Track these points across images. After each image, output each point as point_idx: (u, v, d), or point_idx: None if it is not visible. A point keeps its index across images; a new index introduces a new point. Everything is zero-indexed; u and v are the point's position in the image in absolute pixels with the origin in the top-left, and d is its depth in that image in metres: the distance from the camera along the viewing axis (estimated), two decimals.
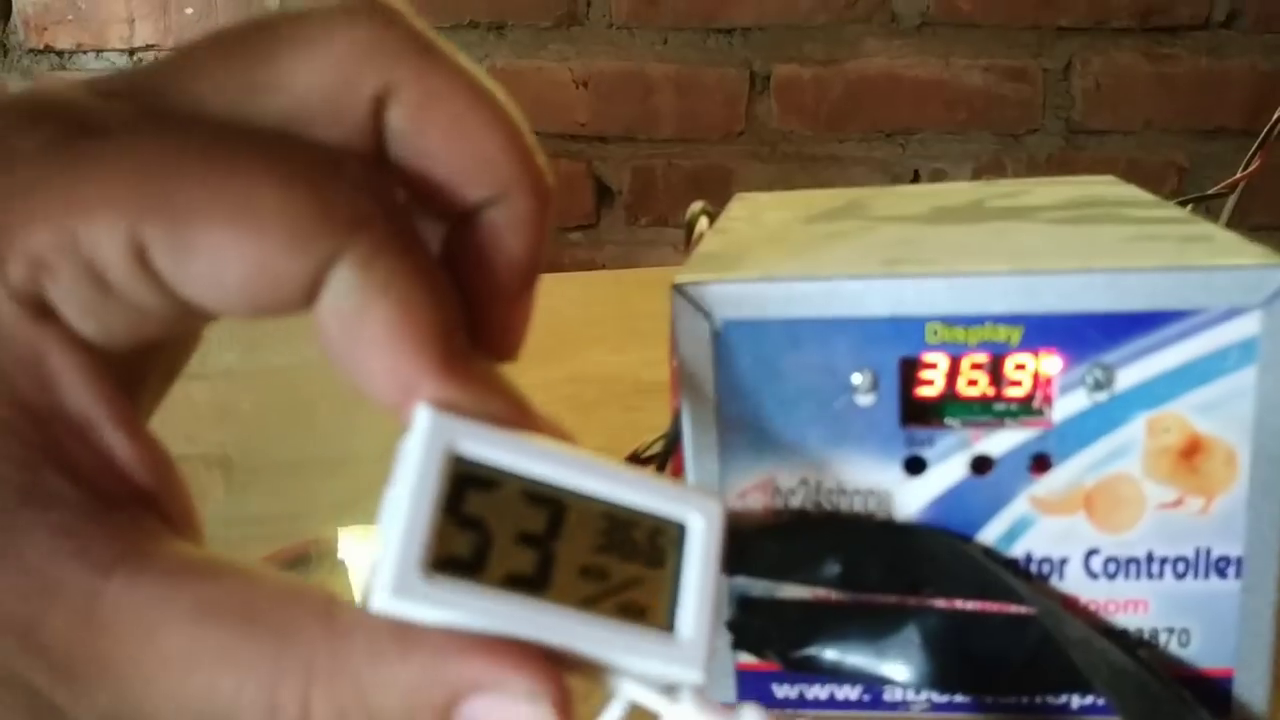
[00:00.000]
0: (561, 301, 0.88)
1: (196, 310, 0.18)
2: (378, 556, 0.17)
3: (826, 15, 1.15)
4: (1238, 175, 0.64)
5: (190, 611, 0.17)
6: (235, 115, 0.18)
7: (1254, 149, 0.63)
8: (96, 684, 0.17)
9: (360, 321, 0.18)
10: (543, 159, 0.20)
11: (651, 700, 0.19)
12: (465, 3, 1.12)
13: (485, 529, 0.18)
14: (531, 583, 0.18)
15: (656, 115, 1.17)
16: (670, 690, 0.19)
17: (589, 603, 0.18)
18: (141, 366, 0.21)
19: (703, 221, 0.38)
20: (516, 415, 0.19)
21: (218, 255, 0.17)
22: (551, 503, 0.19)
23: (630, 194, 1.19)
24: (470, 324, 0.20)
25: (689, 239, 0.38)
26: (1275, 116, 0.62)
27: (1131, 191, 0.39)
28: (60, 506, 0.17)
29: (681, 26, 1.15)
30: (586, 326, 0.80)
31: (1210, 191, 0.62)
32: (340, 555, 0.44)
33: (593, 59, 1.16)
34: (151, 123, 0.18)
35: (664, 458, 0.35)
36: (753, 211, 0.40)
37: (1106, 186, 0.41)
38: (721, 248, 0.34)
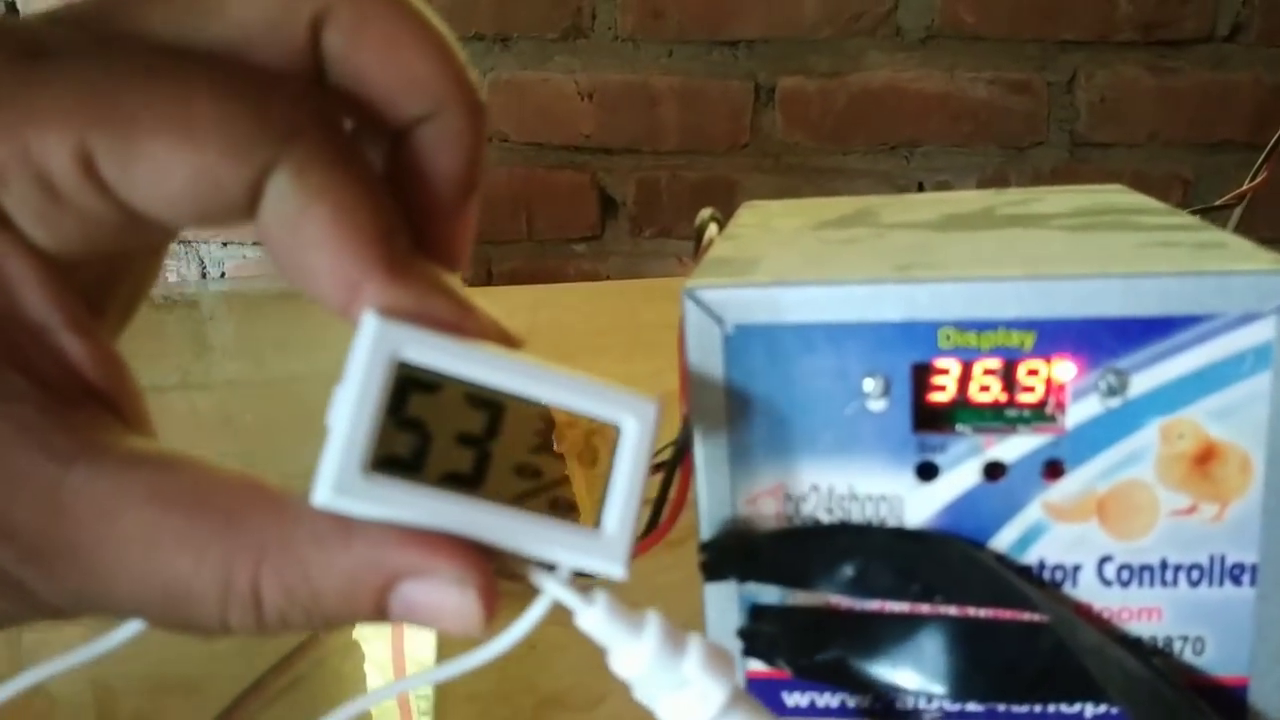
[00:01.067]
0: (566, 312, 0.88)
1: (144, 219, 0.19)
2: (322, 455, 0.19)
3: (831, 28, 1.15)
4: (1244, 187, 0.64)
5: (148, 497, 0.18)
6: (179, 41, 0.19)
7: (1260, 161, 0.63)
8: (64, 567, 0.18)
9: (300, 224, 0.19)
10: (474, 76, 0.21)
11: (569, 599, 0.20)
12: (471, 15, 1.13)
13: (425, 430, 0.19)
14: (467, 481, 0.19)
15: (661, 127, 1.17)
16: (587, 592, 0.20)
17: (521, 499, 0.20)
18: (104, 282, 0.22)
19: (712, 228, 0.38)
20: (460, 314, 0.20)
21: (160, 163, 0.18)
22: (490, 405, 0.20)
23: (635, 205, 1.19)
24: (415, 238, 0.21)
25: (698, 245, 0.37)
26: None
27: (1142, 200, 0.39)
28: (21, 403, 0.18)
29: (686, 39, 1.15)
30: (592, 337, 0.80)
31: (1217, 203, 0.62)
32: None
33: (598, 71, 1.16)
34: (100, 45, 0.19)
35: (673, 464, 0.35)
36: (762, 219, 0.40)
37: (1117, 195, 0.41)
38: (732, 253, 0.34)
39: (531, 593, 0.20)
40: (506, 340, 0.21)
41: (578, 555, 0.20)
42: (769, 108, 1.17)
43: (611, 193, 1.19)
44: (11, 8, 1.13)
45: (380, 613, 0.19)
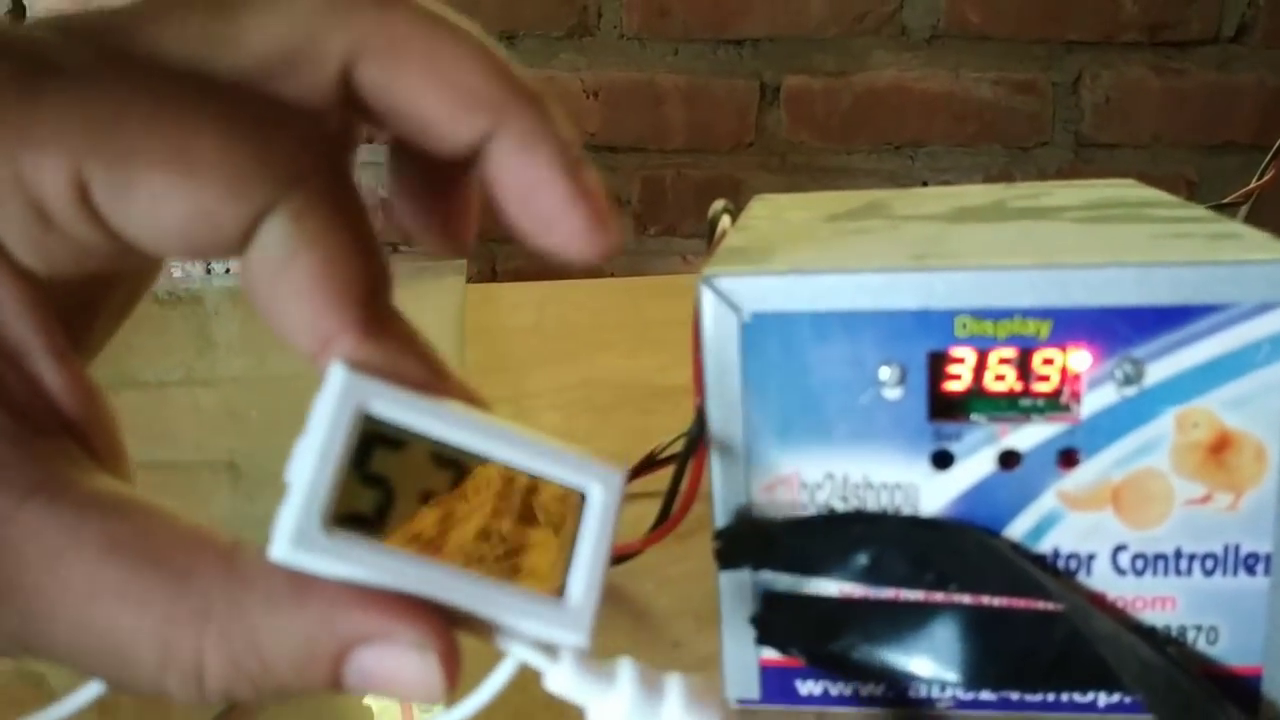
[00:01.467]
0: (573, 308, 0.88)
1: (136, 249, 0.18)
2: (281, 508, 0.18)
3: (837, 27, 1.15)
4: (1251, 186, 0.64)
5: (95, 545, 0.18)
6: (195, 66, 0.19)
7: (1267, 160, 0.63)
8: (3, 605, 0.18)
9: (286, 271, 0.18)
10: (525, 72, 0.20)
11: (535, 660, 0.19)
12: (476, 12, 1.12)
13: (389, 487, 0.19)
14: (430, 542, 0.19)
15: (667, 126, 1.17)
16: (553, 651, 0.20)
17: (483, 564, 0.19)
18: (91, 299, 0.22)
19: (725, 219, 0.38)
20: (429, 377, 0.19)
21: (156, 198, 0.18)
22: (456, 465, 0.19)
23: (640, 204, 1.19)
24: (556, 244, 0.20)
25: (711, 237, 0.38)
26: None
27: (1153, 193, 0.39)
28: None
29: (692, 38, 1.15)
30: (599, 332, 0.80)
31: (1223, 202, 0.62)
32: None
33: (603, 69, 1.16)
34: (108, 66, 0.18)
35: (685, 455, 0.35)
36: (774, 211, 0.40)
37: (1127, 189, 0.41)
38: (747, 243, 0.34)
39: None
40: (476, 403, 0.20)
41: (540, 624, 0.19)
42: (774, 106, 1.17)
43: (616, 191, 1.19)
44: (19, 5, 1.14)
45: (335, 681, 0.18)
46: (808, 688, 0.31)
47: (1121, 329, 0.28)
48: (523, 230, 0.20)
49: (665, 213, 1.19)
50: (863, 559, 0.30)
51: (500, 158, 0.20)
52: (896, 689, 0.31)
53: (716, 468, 0.31)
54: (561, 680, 0.20)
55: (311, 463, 0.18)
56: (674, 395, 0.63)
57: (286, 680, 0.18)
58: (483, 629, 0.19)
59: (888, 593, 0.30)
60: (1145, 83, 1.17)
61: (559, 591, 0.20)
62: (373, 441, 0.19)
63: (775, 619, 0.31)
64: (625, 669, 0.20)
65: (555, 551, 0.20)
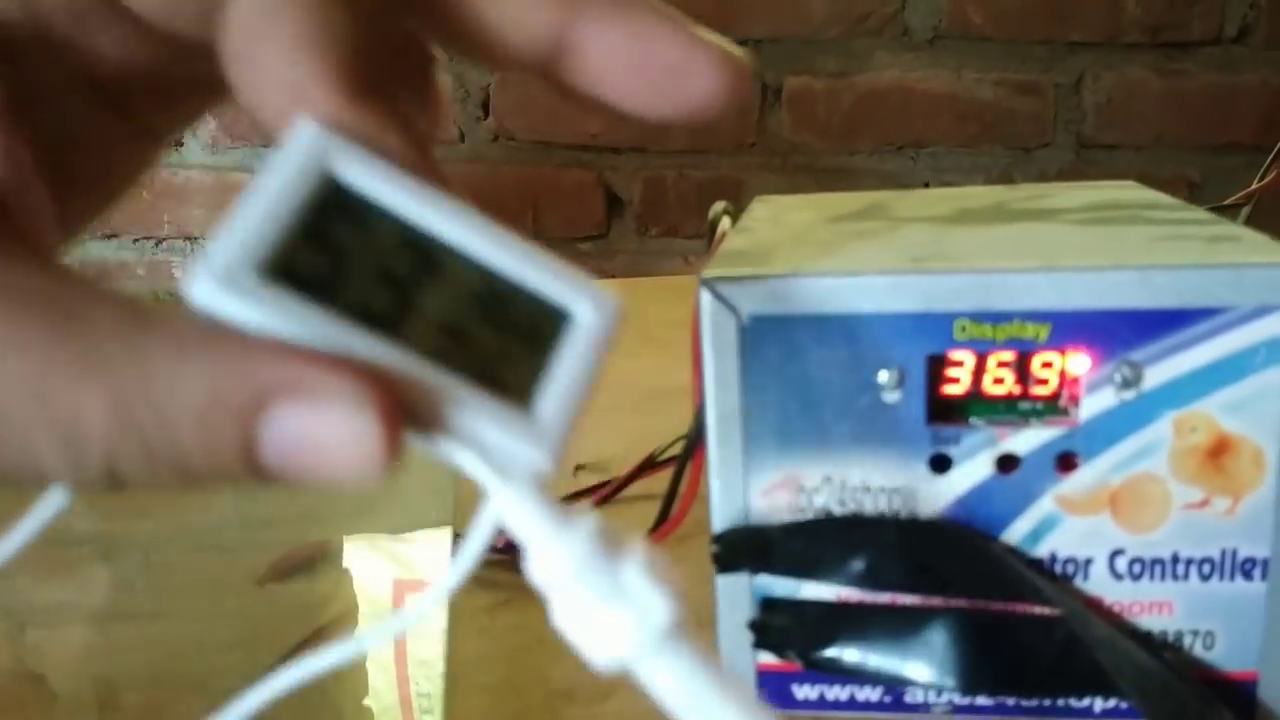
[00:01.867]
0: None
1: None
2: (207, 246, 0.15)
3: (839, 28, 1.15)
4: (1253, 187, 0.64)
5: None
6: None
7: (1269, 161, 0.63)
8: None
9: (269, 21, 0.16)
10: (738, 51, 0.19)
11: (484, 474, 0.16)
12: None
13: (343, 256, 0.16)
14: (382, 320, 0.16)
15: (668, 126, 1.17)
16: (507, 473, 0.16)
17: (441, 355, 0.16)
18: (88, 167, 0.20)
19: (725, 221, 0.38)
20: (414, 157, 0.17)
21: None
22: (426, 251, 0.17)
23: (641, 204, 1.19)
24: (691, 93, 0.19)
25: (711, 238, 0.37)
26: None
27: (1154, 195, 0.39)
28: None
29: None
30: None
31: (1225, 203, 0.62)
32: (345, 564, 0.44)
33: None
34: None
35: (685, 457, 0.35)
36: (775, 212, 0.40)
37: (1128, 191, 0.41)
38: (747, 245, 0.34)
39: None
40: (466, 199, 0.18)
41: (500, 431, 0.16)
42: (776, 107, 1.17)
43: (618, 192, 1.19)
44: None
45: (249, 450, 0.15)
46: (804, 692, 0.31)
47: (1120, 332, 0.28)
48: (645, 104, 0.19)
49: (667, 213, 1.19)
50: (860, 563, 0.30)
51: (595, 35, 0.18)
52: (893, 694, 0.31)
53: (715, 471, 0.31)
54: (510, 506, 0.16)
55: (255, 206, 0.15)
56: (674, 397, 0.63)
57: (188, 446, 0.15)
58: (429, 424, 0.16)
59: (885, 597, 0.30)
60: (1147, 84, 1.17)
61: (525, 404, 0.17)
62: (334, 209, 0.16)
63: (772, 623, 0.31)
64: (587, 518, 0.17)
65: (527, 368, 0.17)
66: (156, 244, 1.20)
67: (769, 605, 0.31)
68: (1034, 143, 1.19)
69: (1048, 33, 1.15)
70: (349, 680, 0.36)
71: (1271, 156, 0.64)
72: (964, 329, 0.29)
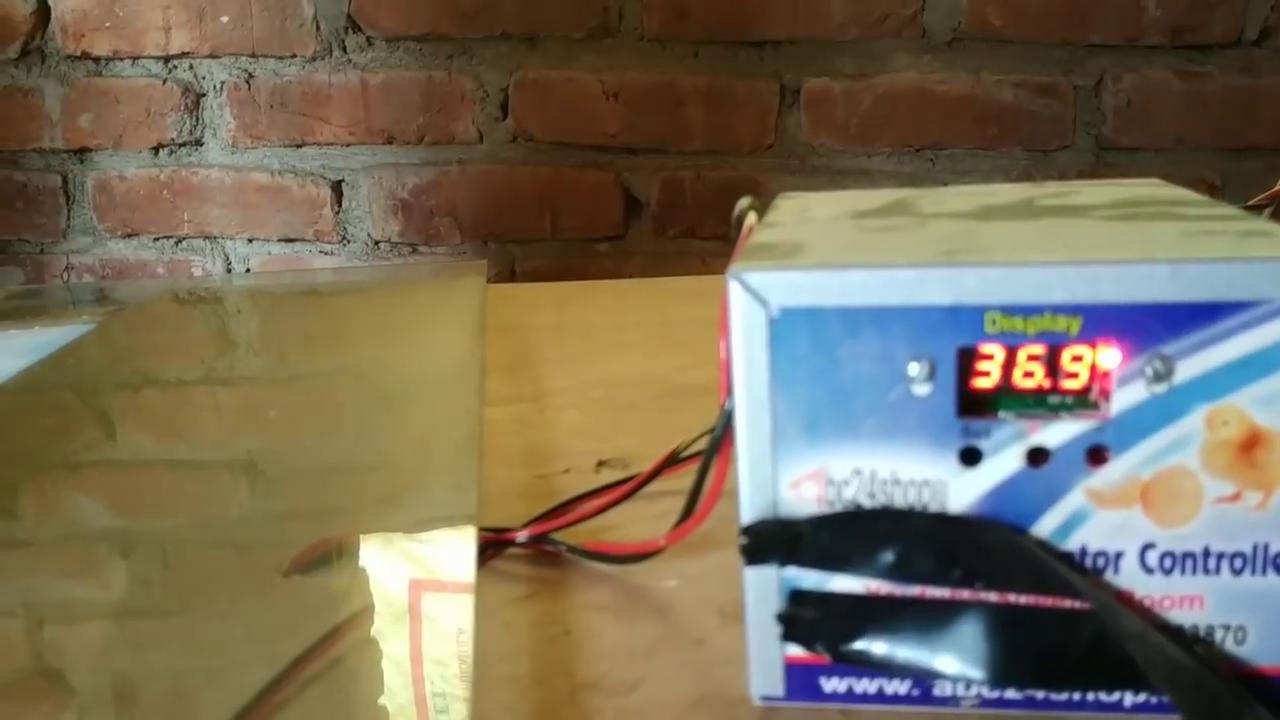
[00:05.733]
0: (592, 308, 0.88)
1: None
2: None
3: (858, 29, 1.15)
4: (1277, 188, 0.63)
5: None
6: None
7: None
8: None
9: None
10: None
11: None
12: (497, 14, 1.13)
13: None
14: None
15: (686, 127, 1.17)
16: None
17: None
18: None
19: (751, 216, 0.38)
20: None
21: None
22: None
23: (659, 205, 1.19)
24: None
25: (737, 234, 0.37)
26: None
27: (1181, 192, 0.39)
28: None
29: (713, 39, 1.15)
30: (619, 332, 0.80)
31: (1249, 204, 0.61)
32: (362, 562, 0.44)
33: (624, 71, 1.16)
34: None
35: (711, 451, 0.35)
36: (800, 208, 0.40)
37: (1155, 188, 0.41)
38: (775, 239, 0.34)
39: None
40: None
41: None
42: (794, 109, 1.17)
43: (636, 193, 1.19)
44: (43, 6, 1.14)
45: None
46: (832, 685, 0.31)
47: (1152, 326, 0.28)
48: None
49: (684, 214, 1.19)
50: (889, 556, 0.30)
51: None
52: (922, 687, 0.31)
53: (743, 463, 0.31)
54: None
55: None
56: (694, 394, 0.63)
57: None
58: None
59: (914, 590, 0.30)
60: (1168, 86, 1.16)
61: None
62: None
63: (801, 615, 0.31)
64: None
65: None
66: (176, 243, 1.21)
67: (797, 597, 0.31)
68: (1053, 145, 1.18)
69: (1067, 34, 1.15)
70: (364, 678, 0.37)
71: None
72: (995, 322, 0.28)
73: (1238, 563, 0.29)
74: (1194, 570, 0.29)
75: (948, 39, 1.16)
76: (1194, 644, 0.29)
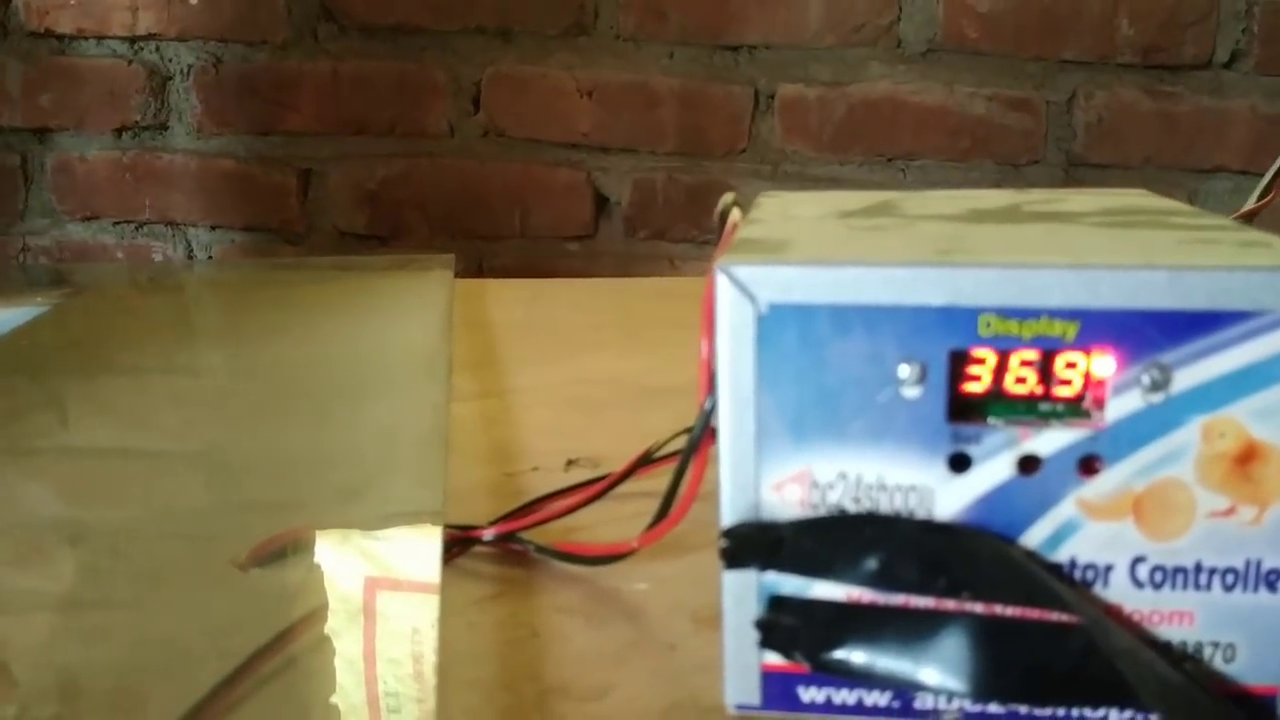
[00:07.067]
0: (562, 307, 0.87)
1: None
2: None
3: (834, 37, 1.15)
4: (1253, 205, 0.63)
5: None
6: None
7: (1269, 178, 0.63)
8: None
9: None
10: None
11: None
12: (472, 8, 1.12)
13: None
14: None
15: (660, 128, 1.16)
16: None
17: None
18: None
19: (735, 212, 0.37)
20: None
21: None
22: None
23: (630, 206, 1.18)
24: None
25: (720, 230, 0.37)
26: None
27: (1170, 202, 0.39)
28: None
29: (689, 42, 1.15)
30: (588, 332, 0.79)
31: (1237, 214, 0.61)
32: (319, 557, 0.42)
33: (598, 69, 1.15)
34: None
35: (689, 452, 0.34)
36: (783, 207, 0.39)
37: (1142, 198, 0.40)
38: (761, 235, 0.33)
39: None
40: None
41: None
42: (768, 114, 1.16)
43: (607, 193, 1.18)
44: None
45: None
46: (810, 694, 0.30)
47: (1150, 333, 0.27)
48: None
49: (655, 217, 1.18)
50: (873, 563, 0.29)
51: None
52: (902, 699, 0.30)
53: (725, 464, 0.30)
54: None
55: None
56: (666, 396, 0.62)
57: None
58: None
59: (897, 599, 0.29)
60: (1138, 104, 1.17)
61: None
62: None
63: (780, 622, 0.30)
64: None
65: None
66: (137, 228, 1.18)
67: (777, 604, 0.30)
68: (1024, 159, 1.18)
69: (1041, 50, 1.15)
70: (317, 677, 0.35)
71: (1270, 175, 0.64)
72: (989, 325, 0.28)
73: (1229, 579, 0.28)
74: (1185, 585, 0.28)
75: (923, 50, 1.16)
76: (1183, 661, 0.29)
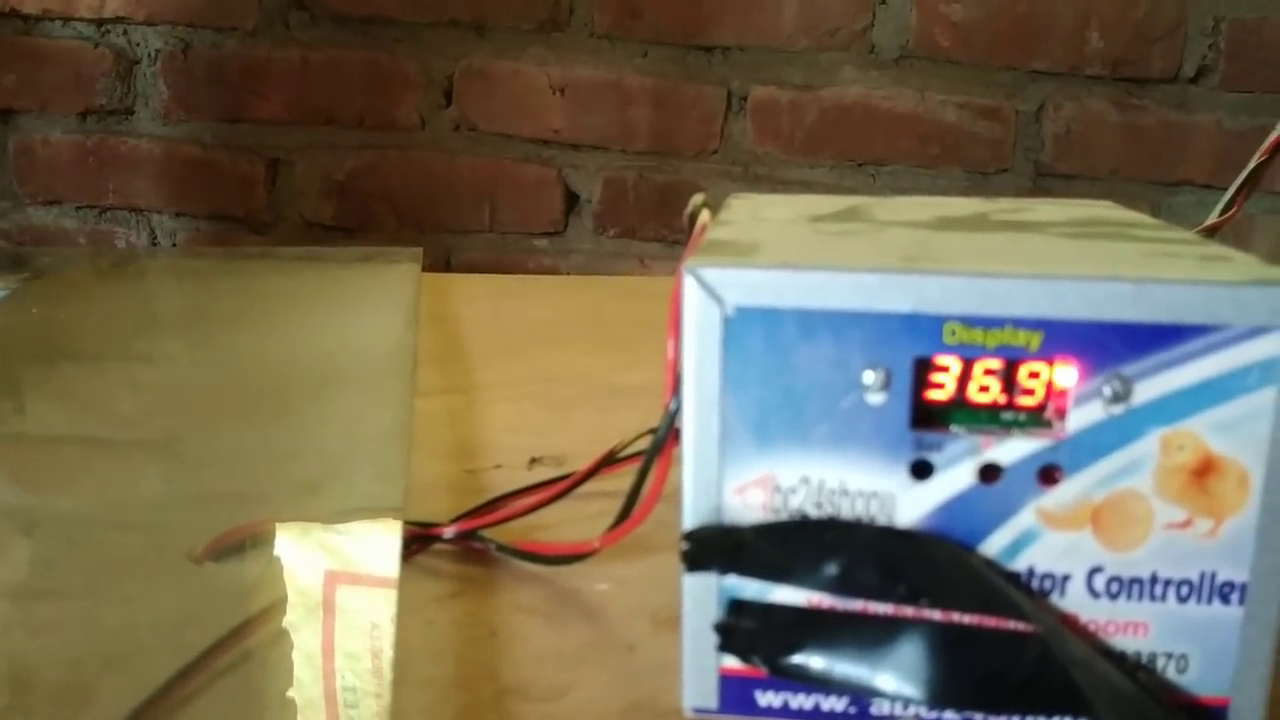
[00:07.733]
0: (530, 303, 0.87)
1: None
2: None
3: (808, 40, 1.15)
4: (1217, 219, 0.64)
5: None
6: None
7: (1232, 192, 0.64)
8: None
9: None
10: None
11: None
12: (445, 1, 1.11)
13: None
14: None
15: (632, 127, 1.16)
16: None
17: None
18: None
19: (705, 213, 0.37)
20: None
21: None
22: None
23: (600, 204, 1.18)
24: None
25: (690, 230, 0.36)
26: (1255, 158, 0.63)
27: (1135, 215, 0.39)
28: None
29: (663, 41, 1.14)
30: (555, 329, 0.79)
31: (1200, 228, 0.62)
32: (277, 551, 0.42)
33: (571, 66, 1.15)
34: None
35: (652, 453, 0.34)
36: (753, 209, 0.39)
37: (1107, 210, 0.41)
38: (730, 237, 0.33)
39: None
40: None
41: None
42: (740, 116, 1.17)
43: (577, 190, 1.17)
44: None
45: None
46: (767, 699, 0.30)
47: (1113, 345, 0.27)
48: None
49: (625, 215, 1.18)
50: (833, 568, 0.29)
51: None
52: (859, 704, 0.30)
53: (688, 466, 0.29)
54: None
55: None
56: (632, 395, 0.62)
57: None
58: None
59: (857, 604, 0.29)
60: (1106, 116, 1.18)
61: None
62: None
63: (739, 626, 0.30)
64: None
65: None
66: (100, 213, 1.17)
67: (737, 607, 0.30)
68: (993, 167, 1.19)
69: (1012, 59, 1.16)
70: (273, 671, 0.35)
71: (1234, 189, 0.64)
72: (954, 333, 0.28)
73: (1184, 590, 0.28)
74: (1140, 596, 0.29)
75: (895, 56, 1.16)
76: (1137, 671, 0.29)
